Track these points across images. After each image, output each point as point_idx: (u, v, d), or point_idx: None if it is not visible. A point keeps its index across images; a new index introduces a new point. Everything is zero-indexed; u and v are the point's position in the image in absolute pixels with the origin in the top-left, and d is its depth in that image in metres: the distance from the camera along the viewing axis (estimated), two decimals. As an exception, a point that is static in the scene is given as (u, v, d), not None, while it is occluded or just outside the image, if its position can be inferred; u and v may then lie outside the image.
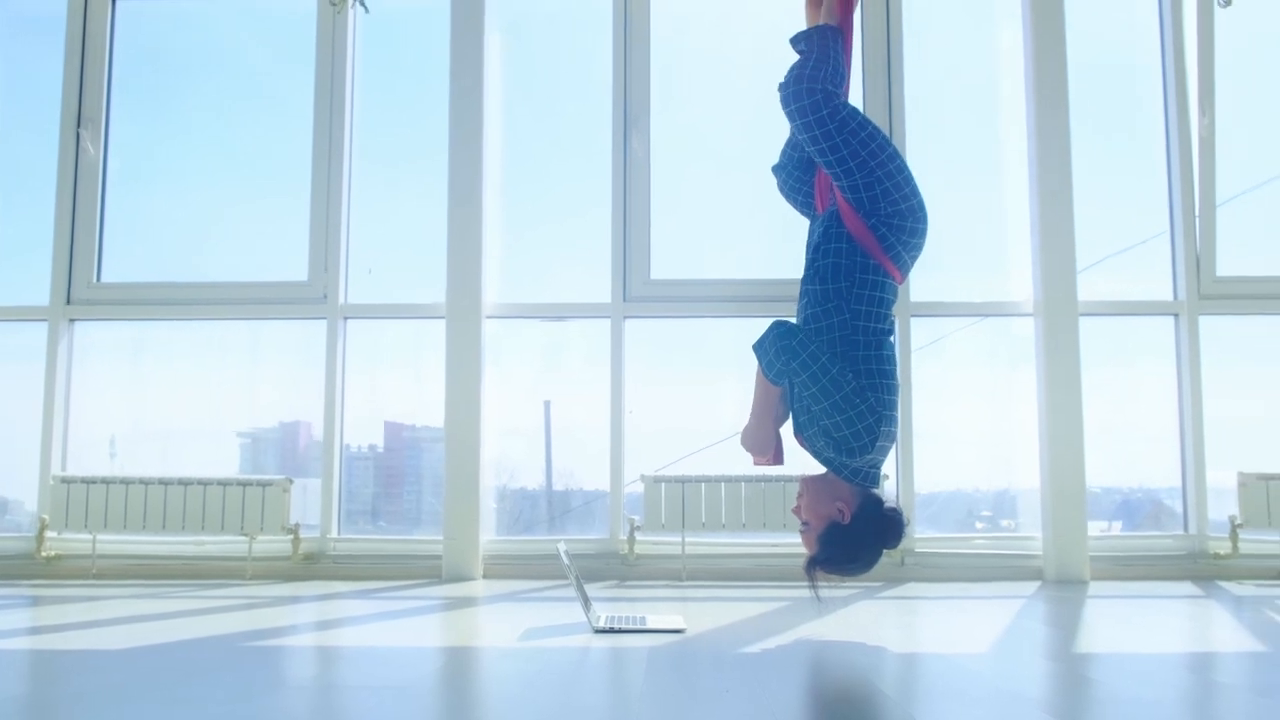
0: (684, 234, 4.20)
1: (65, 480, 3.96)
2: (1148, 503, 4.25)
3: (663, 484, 3.89)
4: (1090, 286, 4.04)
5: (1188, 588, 3.57)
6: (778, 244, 3.81)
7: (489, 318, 4.10)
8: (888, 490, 3.65)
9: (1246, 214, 4.14)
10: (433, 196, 4.13)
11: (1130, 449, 4.16)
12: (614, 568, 3.95)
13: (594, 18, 4.26)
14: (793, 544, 3.37)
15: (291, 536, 3.94)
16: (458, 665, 2.07)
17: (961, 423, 4.16)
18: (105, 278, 4.27)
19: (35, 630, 2.64)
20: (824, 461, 2.58)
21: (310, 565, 3.99)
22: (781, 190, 2.93)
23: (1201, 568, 3.91)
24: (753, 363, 2.64)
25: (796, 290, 2.69)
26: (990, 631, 2.55)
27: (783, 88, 2.67)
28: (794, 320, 2.65)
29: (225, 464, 4.29)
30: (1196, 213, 4.09)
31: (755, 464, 2.76)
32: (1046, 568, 3.87)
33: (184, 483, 3.93)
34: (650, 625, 2.51)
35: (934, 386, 4.07)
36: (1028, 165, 4.07)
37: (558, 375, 4.29)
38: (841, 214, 2.61)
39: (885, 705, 1.67)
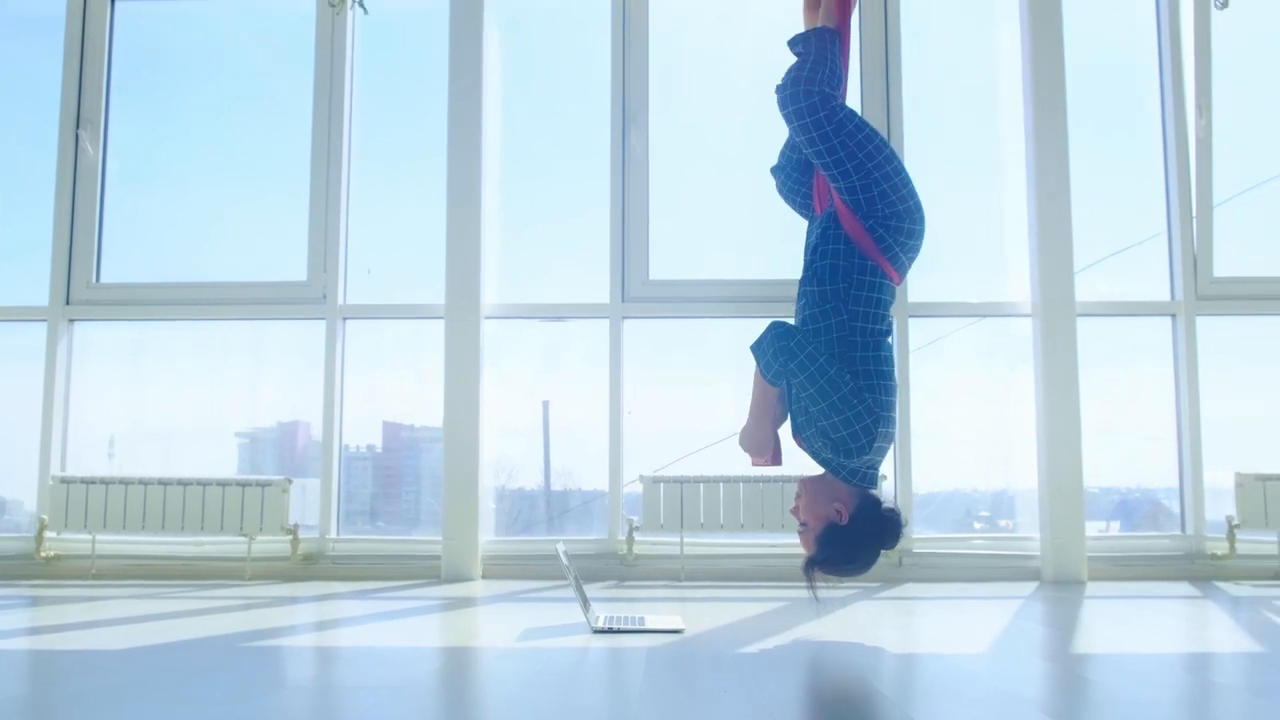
0: (683, 234, 4.21)
1: (64, 480, 3.96)
2: (1145, 503, 4.25)
3: (661, 484, 3.89)
4: (1088, 287, 4.05)
5: (1185, 588, 3.58)
6: (776, 245, 3.81)
7: (488, 318, 4.10)
8: (886, 490, 3.66)
9: (1244, 215, 4.15)
10: (432, 196, 4.14)
11: (1128, 449, 4.17)
12: (613, 568, 3.95)
13: (593, 15, 4.26)
14: (791, 544, 3.38)
15: (290, 537, 3.94)
16: (457, 665, 2.07)
17: (959, 423, 4.17)
18: (104, 278, 4.27)
19: (35, 630, 2.64)
20: (822, 462, 2.59)
21: (309, 565, 4.00)
22: (780, 191, 2.93)
23: (1199, 568, 3.92)
24: (751, 363, 2.65)
25: (795, 291, 2.70)
26: (988, 632, 2.55)
27: (780, 90, 2.67)
28: (792, 321, 2.66)
29: (224, 464, 4.29)
30: (1194, 213, 4.10)
31: (753, 464, 2.76)
32: (1044, 568, 3.87)
33: (183, 483, 3.93)
34: (649, 625, 2.51)
35: (932, 387, 4.07)
36: (1026, 166, 4.08)
37: (556, 375, 4.29)
38: (839, 215, 2.61)
39: (883, 705, 1.68)
